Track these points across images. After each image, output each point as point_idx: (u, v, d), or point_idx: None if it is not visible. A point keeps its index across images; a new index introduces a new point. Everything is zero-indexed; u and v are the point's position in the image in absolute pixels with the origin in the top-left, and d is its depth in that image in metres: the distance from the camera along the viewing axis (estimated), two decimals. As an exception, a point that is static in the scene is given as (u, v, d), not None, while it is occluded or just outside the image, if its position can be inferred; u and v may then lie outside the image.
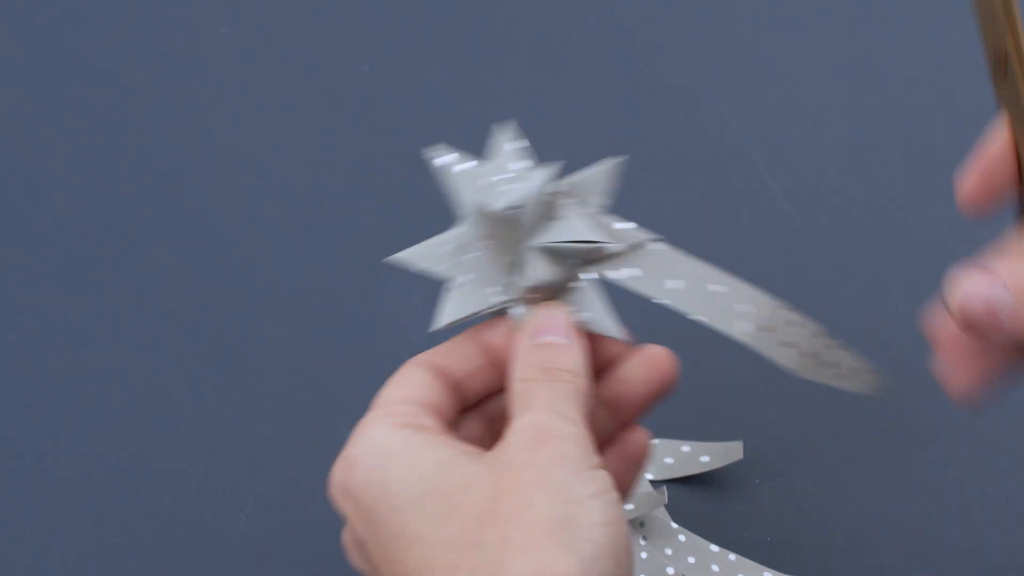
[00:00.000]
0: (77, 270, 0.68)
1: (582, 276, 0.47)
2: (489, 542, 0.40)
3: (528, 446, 0.42)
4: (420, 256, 0.48)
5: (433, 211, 0.70)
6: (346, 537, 0.46)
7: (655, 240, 0.48)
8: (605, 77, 0.74)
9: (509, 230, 0.47)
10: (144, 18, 0.76)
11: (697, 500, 0.61)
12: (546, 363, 0.46)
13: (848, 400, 0.64)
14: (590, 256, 0.47)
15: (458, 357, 0.48)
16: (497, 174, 0.49)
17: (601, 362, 0.49)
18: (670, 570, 0.57)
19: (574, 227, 0.47)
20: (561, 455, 0.42)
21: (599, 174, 0.49)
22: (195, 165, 0.71)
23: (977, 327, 0.45)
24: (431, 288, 0.67)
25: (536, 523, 0.40)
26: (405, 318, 0.66)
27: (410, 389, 0.46)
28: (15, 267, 0.68)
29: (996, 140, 0.48)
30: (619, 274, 0.48)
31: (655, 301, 0.48)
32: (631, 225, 0.49)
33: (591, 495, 0.41)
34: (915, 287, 0.68)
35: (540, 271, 0.47)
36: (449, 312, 0.47)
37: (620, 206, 0.71)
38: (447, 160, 0.49)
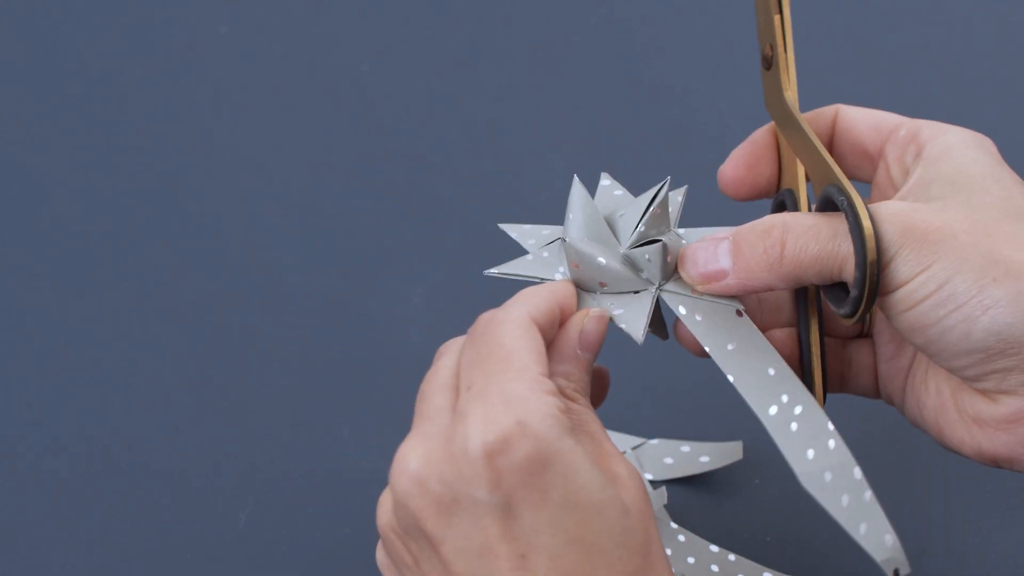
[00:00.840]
0: (77, 270, 0.68)
1: (652, 289, 0.50)
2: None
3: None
4: (524, 232, 0.51)
5: (434, 211, 0.70)
6: (389, 529, 0.45)
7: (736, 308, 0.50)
8: (605, 77, 0.74)
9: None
10: (144, 18, 0.76)
11: (697, 500, 0.61)
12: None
13: (848, 400, 0.64)
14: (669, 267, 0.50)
15: (550, 335, 0.48)
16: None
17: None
18: None
19: (633, 212, 0.50)
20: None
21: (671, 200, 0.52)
22: (195, 165, 0.71)
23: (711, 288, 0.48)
24: (431, 288, 0.67)
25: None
26: (405, 318, 0.66)
27: (545, 363, 0.46)
28: (15, 267, 0.68)
29: (764, 129, 0.53)
30: (682, 290, 0.50)
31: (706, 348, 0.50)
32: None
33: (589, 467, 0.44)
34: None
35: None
36: (511, 267, 0.50)
37: (620, 206, 0.71)
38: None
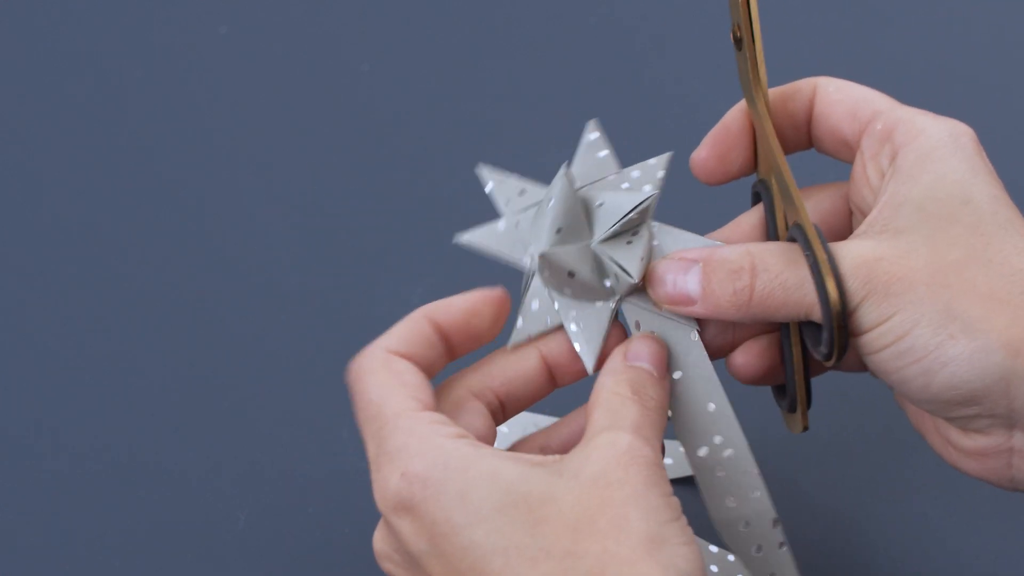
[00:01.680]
0: (77, 270, 0.68)
1: (612, 301, 0.49)
2: (588, 552, 0.42)
3: (620, 463, 0.44)
4: (502, 186, 0.51)
5: (434, 211, 0.70)
6: (387, 553, 0.46)
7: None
8: (605, 77, 0.74)
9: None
10: (144, 18, 0.76)
11: (697, 500, 0.61)
12: (638, 385, 0.47)
13: (848, 400, 0.64)
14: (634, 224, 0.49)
15: (433, 354, 0.48)
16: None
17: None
18: None
19: (612, 209, 0.49)
20: (650, 478, 0.44)
21: (654, 165, 0.51)
22: (195, 165, 0.71)
23: (677, 309, 0.48)
24: (431, 288, 0.67)
25: (635, 538, 0.42)
26: (405, 318, 0.66)
27: (416, 391, 0.46)
28: (15, 267, 0.68)
29: (737, 109, 0.52)
30: (643, 303, 0.49)
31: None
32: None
33: (674, 518, 0.43)
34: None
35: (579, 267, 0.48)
36: (480, 238, 0.49)
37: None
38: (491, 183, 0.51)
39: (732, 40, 0.50)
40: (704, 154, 0.52)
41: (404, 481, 0.44)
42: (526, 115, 0.73)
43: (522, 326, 0.50)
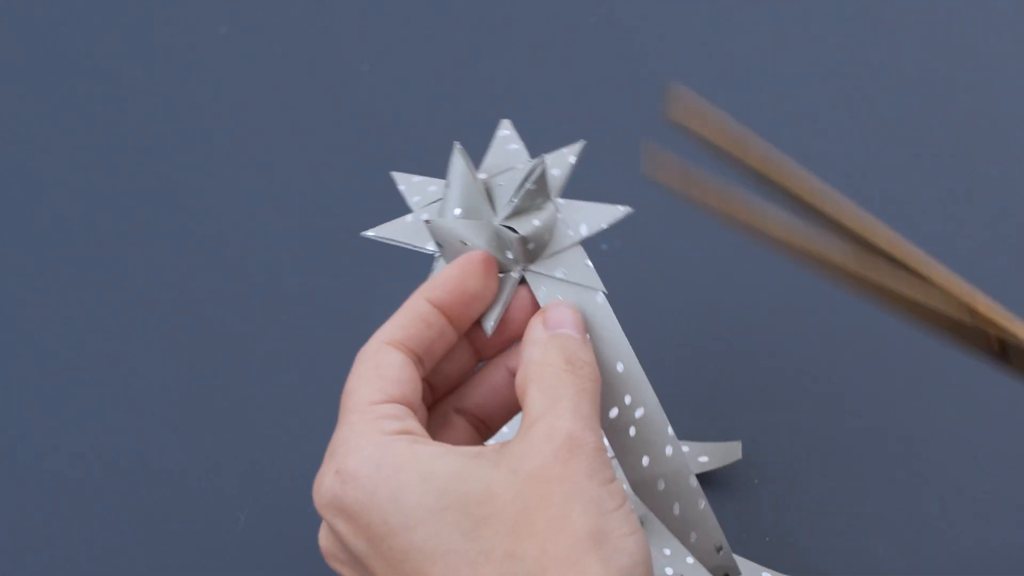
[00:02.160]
0: (77, 270, 0.68)
1: (516, 271, 0.49)
2: (527, 554, 0.41)
3: (559, 457, 0.43)
4: (412, 186, 0.51)
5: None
6: (332, 551, 0.46)
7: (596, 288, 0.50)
8: (605, 77, 0.74)
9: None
10: (143, 18, 0.76)
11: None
12: (568, 352, 0.46)
13: (848, 400, 0.64)
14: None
15: (432, 333, 0.47)
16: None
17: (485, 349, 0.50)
18: (669, 570, 0.57)
19: (509, 184, 0.49)
20: (591, 468, 0.43)
21: (566, 152, 0.51)
22: (194, 165, 0.71)
23: None
24: (431, 288, 0.67)
25: (575, 536, 0.41)
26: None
27: (390, 384, 0.45)
28: (15, 267, 0.68)
29: None
30: (547, 271, 0.49)
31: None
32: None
33: (617, 507, 0.42)
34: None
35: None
36: (386, 231, 0.50)
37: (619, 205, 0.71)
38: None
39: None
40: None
41: (338, 479, 0.43)
42: (526, 115, 0.73)
43: None
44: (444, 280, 0.47)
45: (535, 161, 0.49)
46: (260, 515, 0.60)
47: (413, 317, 0.47)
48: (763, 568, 0.58)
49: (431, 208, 0.50)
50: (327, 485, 0.44)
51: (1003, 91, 0.74)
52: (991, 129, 0.72)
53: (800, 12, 0.77)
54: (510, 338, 0.49)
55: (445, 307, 0.47)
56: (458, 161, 0.49)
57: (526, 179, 0.48)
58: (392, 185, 0.71)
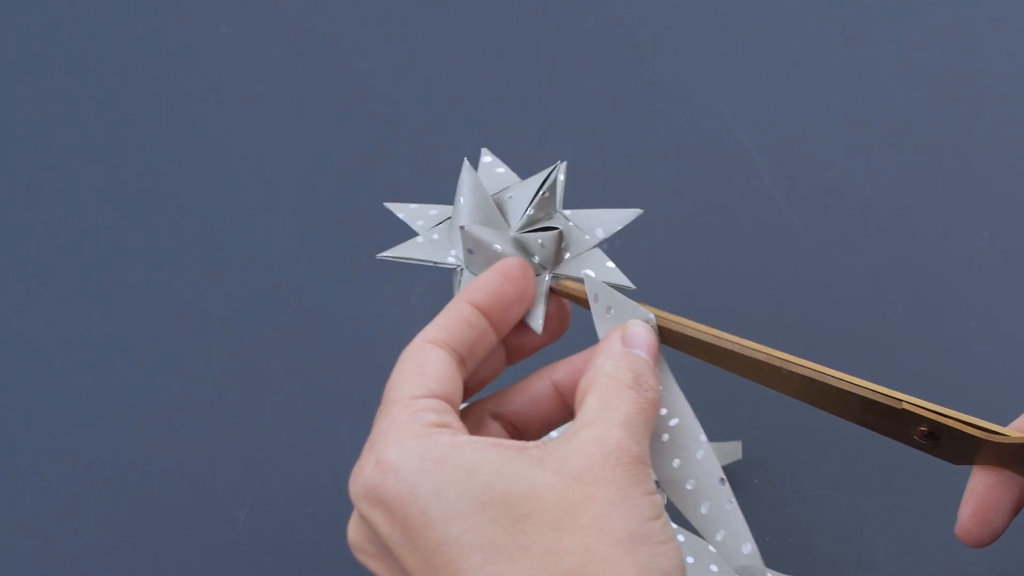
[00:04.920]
0: (76, 270, 0.68)
1: (545, 275, 0.50)
2: (569, 551, 0.42)
3: (607, 462, 0.43)
4: (412, 213, 0.52)
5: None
6: (361, 543, 0.46)
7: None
8: (605, 77, 0.74)
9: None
10: (143, 18, 0.76)
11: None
12: (637, 371, 0.47)
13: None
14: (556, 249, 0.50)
15: (474, 334, 0.48)
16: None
17: (520, 352, 0.51)
18: None
19: (522, 194, 0.51)
20: (636, 478, 0.44)
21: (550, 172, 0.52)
22: (194, 165, 0.71)
23: None
24: (430, 288, 0.67)
25: (615, 537, 0.42)
26: (405, 318, 0.66)
27: (432, 380, 0.46)
28: (15, 267, 0.68)
29: (981, 478, 0.53)
30: (574, 272, 0.51)
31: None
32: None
33: (657, 516, 0.43)
34: (914, 287, 0.68)
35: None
36: (403, 250, 0.51)
37: (619, 206, 0.71)
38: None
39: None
40: (966, 522, 0.53)
41: (378, 470, 0.43)
42: (526, 115, 0.73)
43: None
44: (485, 283, 0.48)
45: (549, 168, 0.50)
46: (260, 515, 0.60)
47: (456, 318, 0.48)
48: (763, 568, 0.58)
49: (440, 228, 0.51)
50: (366, 475, 0.44)
51: (1004, 90, 0.74)
52: (992, 128, 0.72)
53: (799, 12, 0.77)
54: (540, 343, 0.51)
55: (486, 309, 0.48)
56: (469, 175, 0.50)
57: (541, 186, 0.50)
58: (391, 185, 0.72)
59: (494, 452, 0.43)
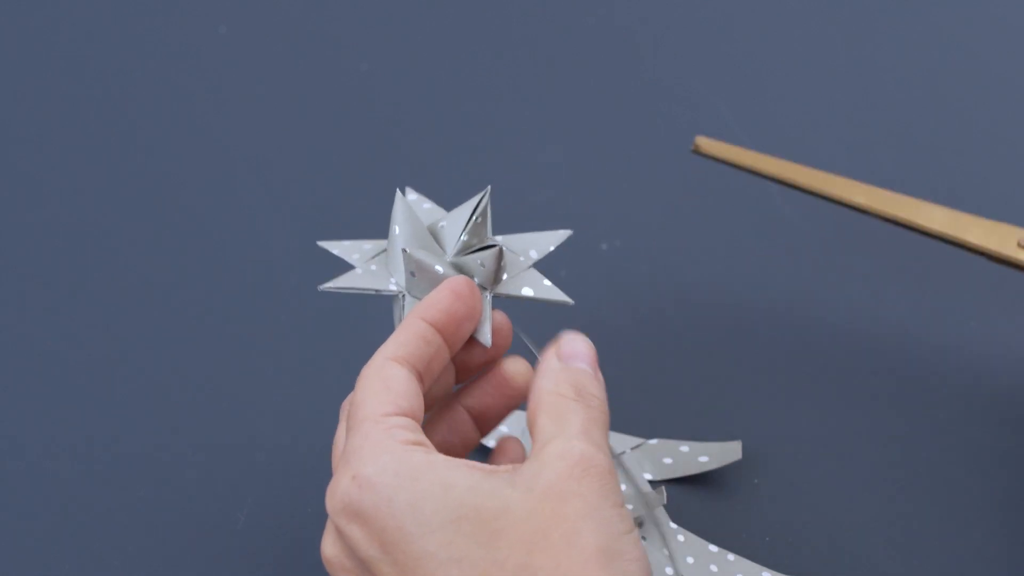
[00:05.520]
0: (76, 270, 0.68)
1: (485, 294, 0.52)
2: (542, 567, 0.42)
3: (573, 474, 0.44)
4: (346, 248, 0.54)
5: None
6: (337, 559, 0.47)
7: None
8: (605, 77, 0.74)
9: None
10: (143, 18, 0.76)
11: (696, 500, 0.61)
12: (579, 385, 0.48)
13: (848, 400, 0.64)
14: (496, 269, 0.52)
15: (431, 350, 0.49)
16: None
17: (467, 368, 0.52)
18: (668, 570, 0.57)
19: (454, 220, 0.52)
20: (603, 489, 0.44)
21: (544, 239, 0.54)
22: (194, 165, 0.71)
23: None
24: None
25: (586, 552, 0.42)
26: (404, 318, 0.66)
27: (399, 397, 0.47)
28: (15, 267, 0.68)
29: None
30: (513, 291, 0.53)
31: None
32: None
33: (628, 530, 0.44)
34: (914, 287, 0.68)
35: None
36: (344, 281, 0.52)
37: (619, 206, 0.72)
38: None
39: None
40: None
41: (354, 485, 0.44)
42: (525, 115, 0.73)
43: None
44: (437, 302, 0.50)
45: (479, 195, 0.51)
46: (260, 514, 0.60)
47: (413, 335, 0.49)
48: (763, 568, 0.58)
49: (376, 260, 0.53)
50: (343, 489, 0.45)
51: (1004, 90, 0.74)
52: (992, 128, 0.72)
53: (799, 12, 0.77)
54: (487, 359, 0.52)
55: (440, 327, 0.49)
56: (402, 205, 0.51)
57: (473, 212, 0.51)
58: (390, 185, 0.71)
59: (467, 471, 0.44)
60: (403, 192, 0.52)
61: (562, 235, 0.54)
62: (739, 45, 0.76)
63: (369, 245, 0.54)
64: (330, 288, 0.52)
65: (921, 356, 0.65)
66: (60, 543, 0.60)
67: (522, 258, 0.53)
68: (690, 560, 0.57)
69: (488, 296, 0.51)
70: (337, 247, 0.54)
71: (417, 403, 0.47)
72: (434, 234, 0.52)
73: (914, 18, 0.76)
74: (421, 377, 0.48)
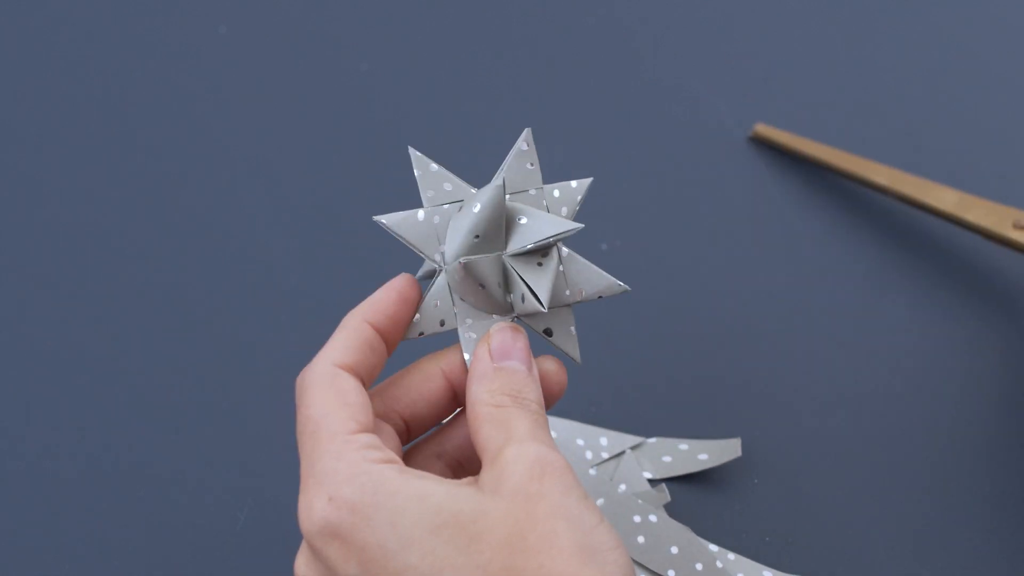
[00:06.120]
0: (76, 270, 0.68)
1: (508, 317, 0.50)
2: (525, 569, 0.43)
3: (533, 475, 0.44)
4: (430, 177, 0.51)
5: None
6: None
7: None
8: (605, 77, 0.74)
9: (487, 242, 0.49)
10: (143, 18, 0.76)
11: (696, 499, 0.61)
12: (514, 390, 0.47)
13: (848, 400, 0.64)
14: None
15: (375, 358, 0.48)
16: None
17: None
18: (671, 573, 0.57)
19: (533, 230, 0.49)
20: (564, 485, 0.44)
21: (575, 188, 0.52)
22: (194, 165, 0.71)
23: None
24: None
25: (566, 551, 0.43)
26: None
27: (359, 412, 0.47)
28: (15, 267, 0.68)
29: None
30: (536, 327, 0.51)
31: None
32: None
33: (599, 522, 0.44)
34: (915, 287, 0.68)
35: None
36: (396, 223, 0.50)
37: (619, 206, 0.72)
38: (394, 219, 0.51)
39: None
40: None
41: (332, 506, 0.44)
42: (525, 115, 0.73)
43: (417, 321, 0.50)
44: (385, 306, 0.49)
45: (569, 228, 0.48)
46: (259, 514, 0.60)
47: (360, 342, 0.48)
48: (763, 568, 0.58)
49: (443, 211, 0.50)
50: (319, 511, 0.44)
51: (1004, 90, 0.74)
52: (992, 128, 0.73)
53: (799, 12, 0.77)
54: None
55: (384, 332, 0.49)
56: (498, 195, 0.48)
57: (552, 237, 0.48)
58: (390, 185, 0.72)
59: (438, 481, 0.45)
60: (513, 129, 0.50)
61: (618, 288, 0.51)
62: (739, 45, 0.76)
63: (450, 186, 0.51)
64: (383, 223, 0.50)
65: (921, 356, 0.65)
66: (60, 543, 0.60)
67: (567, 292, 0.50)
68: (674, 551, 0.57)
69: (509, 319, 0.50)
70: (422, 167, 0.50)
71: (371, 416, 0.47)
72: (509, 219, 0.49)
73: (914, 18, 0.76)
74: (364, 385, 0.48)
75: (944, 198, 0.66)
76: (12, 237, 0.69)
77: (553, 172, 0.71)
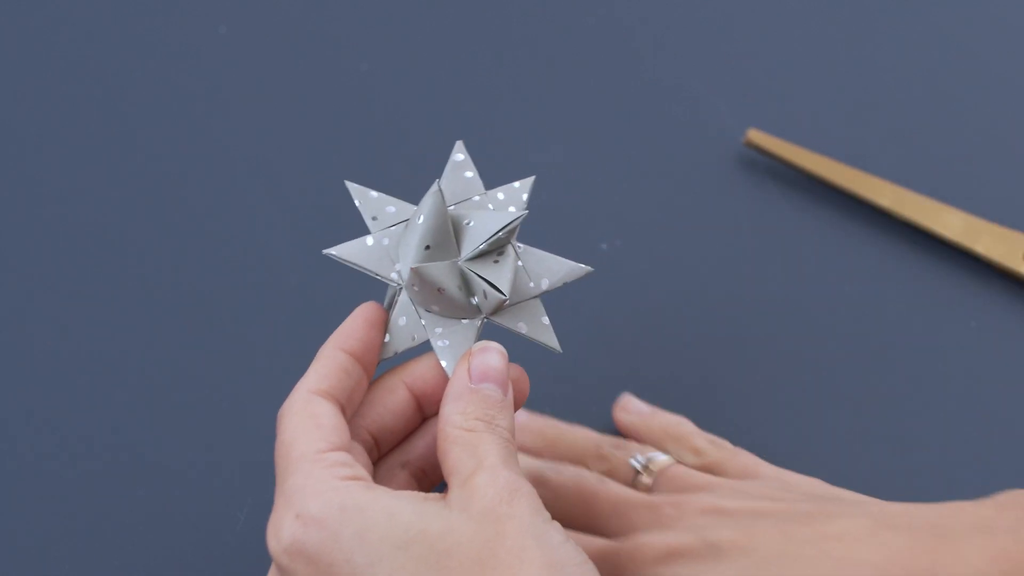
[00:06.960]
0: (75, 269, 0.68)
1: (478, 319, 0.50)
2: None
3: (503, 498, 0.45)
4: (368, 201, 0.51)
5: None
6: None
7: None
8: (604, 77, 0.74)
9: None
10: (143, 18, 0.76)
11: (696, 500, 0.61)
12: (488, 415, 0.48)
13: (848, 400, 0.64)
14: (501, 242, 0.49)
15: (352, 382, 0.49)
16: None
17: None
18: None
19: (481, 228, 0.49)
20: (533, 508, 0.45)
21: (519, 188, 0.52)
22: (194, 165, 0.71)
23: None
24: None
25: (535, 567, 0.43)
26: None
27: (331, 432, 0.47)
28: (15, 267, 0.68)
29: None
30: (510, 323, 0.51)
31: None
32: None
33: (564, 540, 0.45)
34: (915, 287, 0.68)
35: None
36: (348, 252, 0.50)
37: (619, 206, 0.72)
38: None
39: None
40: None
41: (299, 523, 0.45)
42: (525, 115, 0.73)
43: (389, 341, 0.51)
44: (355, 331, 0.50)
45: (516, 215, 0.49)
46: (260, 514, 0.60)
47: (334, 368, 0.49)
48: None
49: (392, 232, 0.51)
50: (286, 529, 0.45)
51: (1004, 90, 0.74)
52: (992, 129, 0.73)
53: (799, 12, 0.77)
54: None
55: (359, 356, 0.49)
56: (437, 201, 0.48)
57: (502, 229, 0.48)
58: (390, 185, 0.72)
59: (408, 497, 0.45)
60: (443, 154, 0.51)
61: (580, 270, 0.51)
62: (739, 45, 0.76)
63: (393, 208, 0.51)
64: (333, 255, 0.51)
65: (921, 356, 0.65)
66: (60, 543, 0.60)
67: (531, 284, 0.51)
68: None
69: (479, 322, 0.50)
70: (361, 197, 0.51)
71: (346, 437, 0.48)
72: (456, 225, 0.50)
73: (914, 18, 0.76)
74: (343, 409, 0.49)
75: (951, 223, 0.65)
76: (12, 237, 0.69)
77: (553, 172, 0.71)
